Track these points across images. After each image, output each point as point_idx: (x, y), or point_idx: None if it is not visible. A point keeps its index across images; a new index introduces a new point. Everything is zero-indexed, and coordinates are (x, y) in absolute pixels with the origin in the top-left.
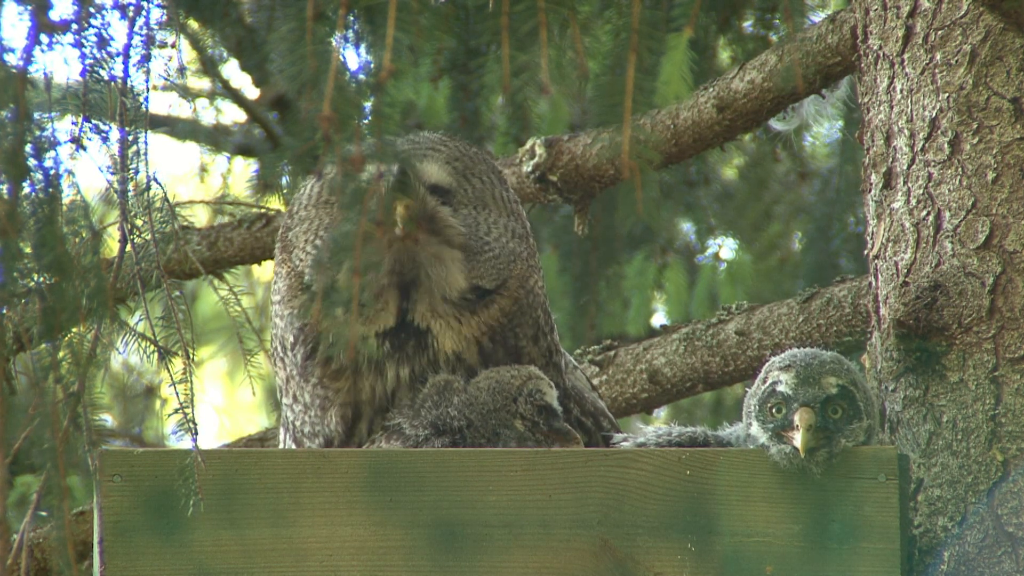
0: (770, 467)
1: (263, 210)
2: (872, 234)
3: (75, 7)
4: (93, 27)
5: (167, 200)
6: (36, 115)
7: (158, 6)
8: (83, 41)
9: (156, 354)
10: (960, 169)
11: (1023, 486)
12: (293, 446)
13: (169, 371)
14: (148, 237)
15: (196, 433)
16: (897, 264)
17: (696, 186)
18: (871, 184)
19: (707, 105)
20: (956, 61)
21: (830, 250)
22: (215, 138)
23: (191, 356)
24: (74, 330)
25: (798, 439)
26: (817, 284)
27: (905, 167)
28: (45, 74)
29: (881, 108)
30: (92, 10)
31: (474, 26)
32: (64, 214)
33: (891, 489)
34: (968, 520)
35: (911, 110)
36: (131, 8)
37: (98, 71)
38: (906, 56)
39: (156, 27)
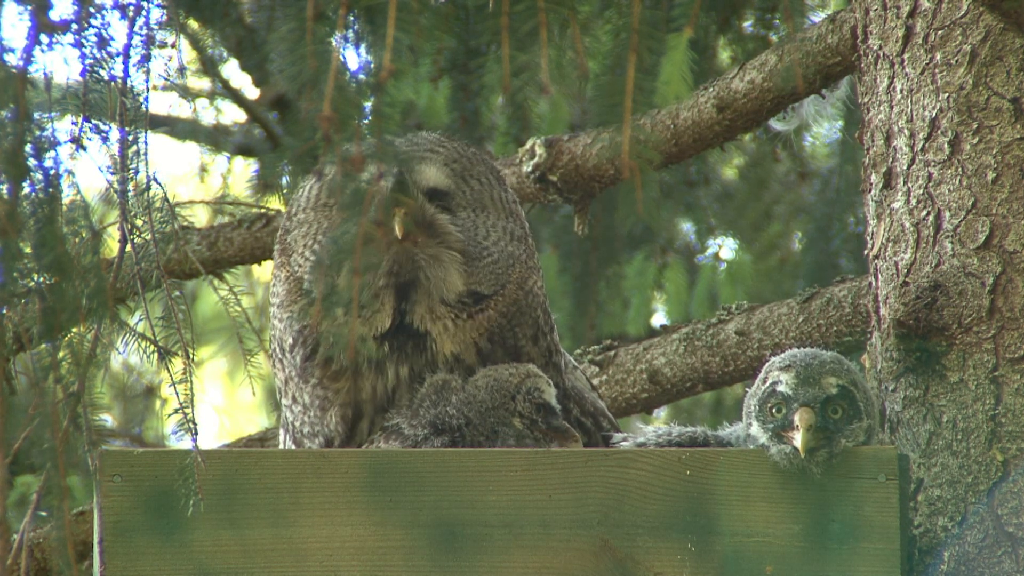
0: (770, 467)
1: (263, 210)
2: (872, 234)
3: (75, 7)
4: (93, 27)
5: (167, 200)
6: (36, 115)
7: (158, 6)
8: (83, 41)
9: (156, 354)
10: (960, 169)
11: (1023, 486)
12: (293, 446)
13: (169, 371)
14: (148, 237)
15: (196, 433)
16: (897, 264)
17: (696, 186)
18: (871, 184)
19: (707, 105)
20: (956, 61)
21: (830, 250)
22: (215, 138)
23: (191, 356)
24: (74, 330)
25: (798, 439)
26: (817, 284)
27: (905, 167)
28: (45, 74)
29: (881, 108)
30: (92, 10)
31: (474, 26)
32: (64, 214)
33: (891, 489)
34: (968, 520)
35: (911, 110)
36: (131, 8)
37: (98, 71)
38: (906, 56)
39: (156, 27)
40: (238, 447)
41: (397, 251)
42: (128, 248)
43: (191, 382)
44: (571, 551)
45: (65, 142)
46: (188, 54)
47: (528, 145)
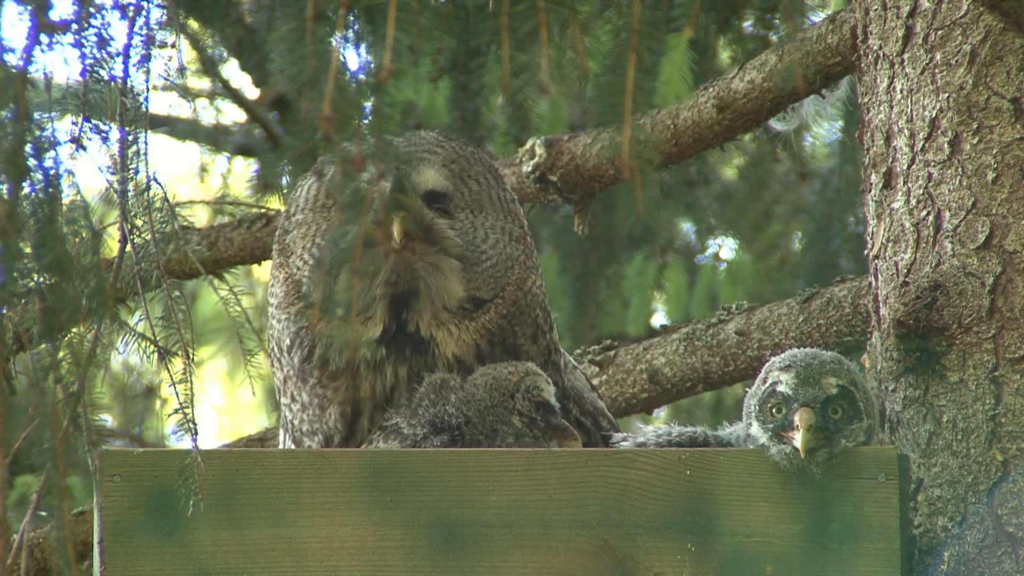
0: (770, 467)
1: (263, 210)
2: (872, 234)
3: (75, 7)
4: (93, 27)
5: (167, 200)
6: (36, 115)
7: (158, 6)
8: (83, 41)
9: (156, 354)
10: (960, 169)
11: (1023, 486)
12: (292, 446)
13: (169, 371)
14: (148, 237)
15: (196, 433)
16: (897, 264)
17: (696, 186)
18: (871, 184)
19: (707, 105)
20: (956, 61)
21: (830, 250)
22: (215, 138)
23: (191, 356)
24: (74, 330)
25: (798, 439)
26: (817, 284)
27: (905, 167)
28: (45, 74)
29: (881, 108)
30: (92, 10)
31: (474, 26)
32: (64, 214)
33: (891, 489)
34: (968, 520)
35: (911, 110)
36: (131, 8)
37: (98, 71)
38: (906, 56)
39: (156, 27)
40: (238, 447)
41: (396, 260)
42: (128, 248)
43: (191, 382)
44: (571, 551)
45: (65, 142)
46: (188, 54)
47: (528, 145)
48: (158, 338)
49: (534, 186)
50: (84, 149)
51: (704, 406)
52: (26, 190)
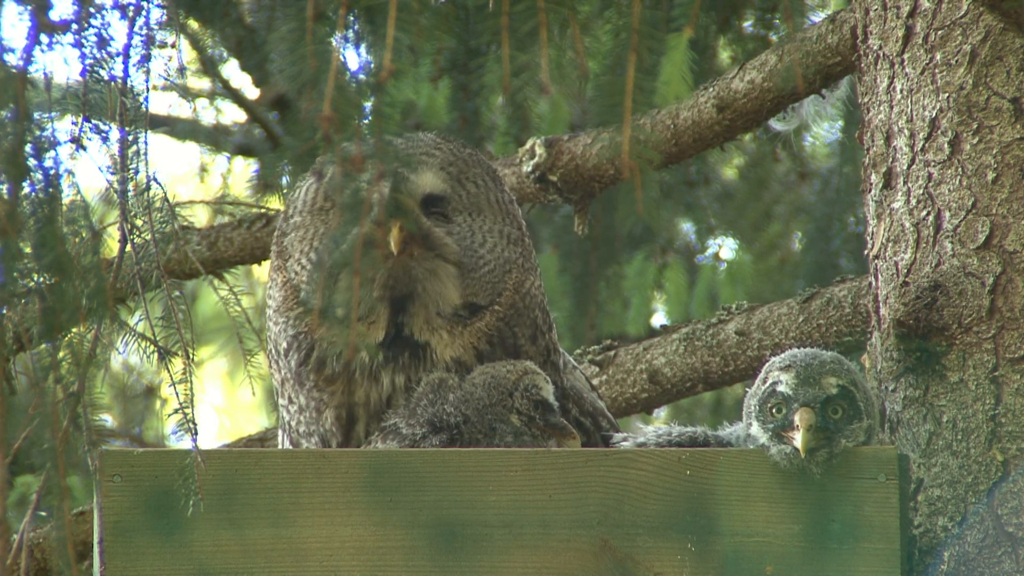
0: (770, 467)
1: (263, 210)
2: (872, 234)
3: (75, 7)
4: (93, 27)
5: (167, 200)
6: (36, 115)
7: (158, 6)
8: (83, 41)
9: (156, 354)
10: (960, 169)
11: (1023, 486)
12: (290, 446)
13: (169, 371)
14: (148, 237)
15: (196, 433)
16: (897, 264)
17: (696, 186)
18: (871, 184)
19: (707, 105)
20: (956, 61)
21: (830, 250)
22: (215, 138)
23: (191, 356)
24: (74, 330)
25: (798, 439)
26: (817, 284)
27: (905, 167)
28: (45, 74)
29: (881, 108)
30: (92, 10)
31: (474, 26)
32: (64, 214)
33: (891, 489)
34: (968, 520)
35: (911, 110)
36: (131, 8)
37: (98, 71)
38: (906, 56)
39: (156, 27)
40: (238, 447)
41: (393, 264)
42: (128, 248)
43: (191, 382)
44: (571, 551)
45: (65, 142)
46: (188, 54)
47: (528, 145)
48: (158, 338)
49: (534, 186)
50: (84, 149)
51: (704, 406)
52: (26, 190)
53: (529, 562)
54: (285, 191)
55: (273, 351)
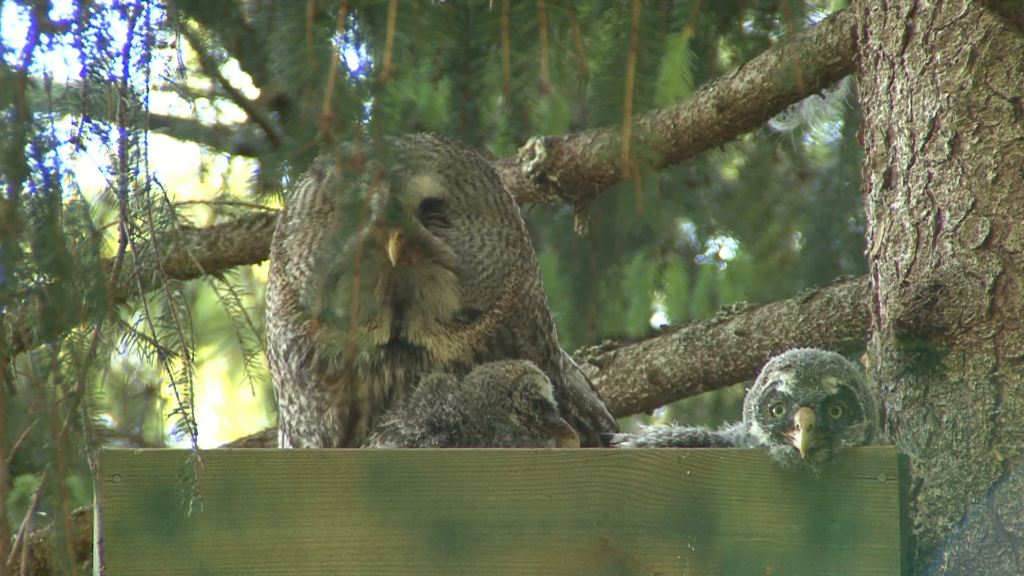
0: (770, 467)
1: (263, 210)
2: (872, 234)
3: (75, 7)
4: (93, 27)
5: (167, 200)
6: (36, 115)
7: (158, 6)
8: (83, 41)
9: (156, 354)
10: (960, 169)
11: (1023, 486)
12: (291, 446)
13: (169, 371)
14: (148, 237)
15: (196, 433)
16: (897, 264)
17: (696, 186)
18: (871, 184)
19: (707, 105)
20: (956, 61)
21: (830, 250)
22: (215, 138)
23: (191, 356)
24: (74, 330)
25: (798, 439)
26: (817, 284)
27: (905, 167)
28: (45, 74)
29: (881, 108)
30: (92, 10)
31: (474, 26)
32: (64, 214)
33: (891, 489)
34: (968, 520)
35: (911, 110)
36: (131, 8)
37: (98, 71)
38: (906, 56)
39: (156, 27)
40: (238, 447)
41: (391, 272)
42: (128, 248)
43: (191, 382)
44: (571, 551)
45: (65, 142)
46: (188, 54)
47: (528, 145)
48: (158, 338)
49: (534, 186)
50: (84, 149)
51: (704, 406)
52: (26, 190)
53: (529, 562)
54: (285, 191)
55: (273, 352)
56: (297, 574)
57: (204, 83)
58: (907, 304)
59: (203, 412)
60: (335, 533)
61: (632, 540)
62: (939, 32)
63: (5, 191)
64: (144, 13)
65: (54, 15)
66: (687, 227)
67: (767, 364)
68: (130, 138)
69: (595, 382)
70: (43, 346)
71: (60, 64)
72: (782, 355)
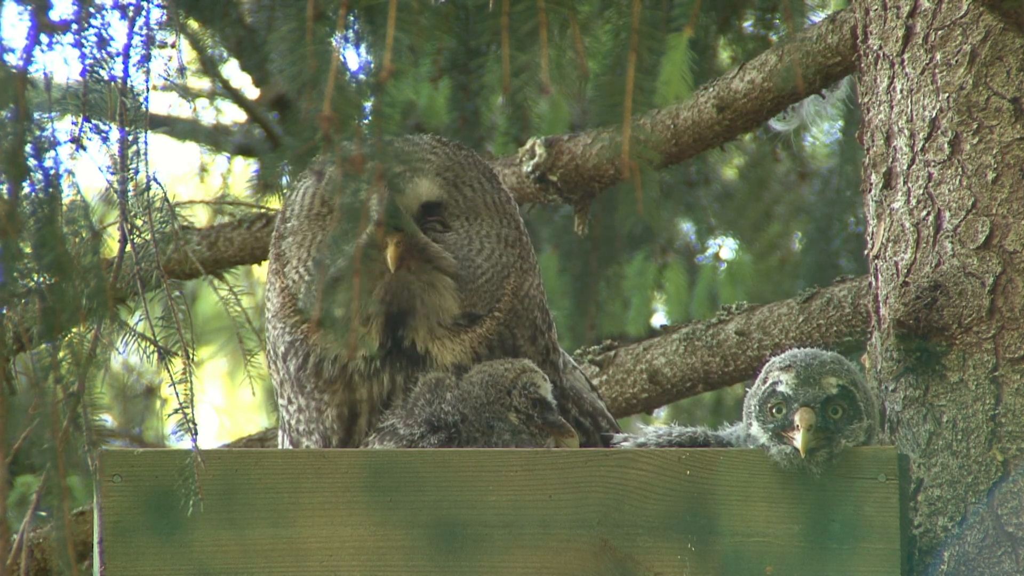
0: (770, 467)
1: (263, 210)
2: (872, 234)
3: (75, 7)
4: (93, 27)
5: (167, 200)
6: (36, 115)
7: (158, 6)
8: (83, 41)
9: (156, 354)
10: (960, 169)
11: (1023, 486)
12: (290, 446)
13: (169, 371)
14: (148, 237)
15: (196, 433)
16: (897, 264)
17: (696, 186)
18: (871, 184)
19: (707, 105)
20: (956, 61)
21: (830, 250)
22: (215, 138)
23: (191, 356)
24: (74, 330)
25: (798, 439)
26: (817, 284)
27: (905, 167)
28: (45, 74)
29: (881, 108)
30: (92, 10)
31: (474, 26)
32: (64, 214)
33: (891, 489)
34: (968, 520)
35: (911, 110)
36: (131, 8)
37: (98, 71)
38: (906, 56)
39: (156, 27)
40: (238, 447)
41: (390, 279)
42: (128, 248)
43: (191, 382)
44: (571, 551)
45: (65, 142)
46: (188, 54)
47: (528, 145)
48: (158, 338)
49: (534, 186)
50: (84, 149)
51: (704, 406)
52: (26, 190)
53: (529, 562)
54: (285, 191)
55: (272, 353)
56: (297, 574)
57: (204, 83)
58: (907, 304)
59: (203, 412)
60: (335, 533)
61: (632, 540)
62: (939, 32)
63: (5, 191)
64: (144, 13)
65: (54, 15)
66: (687, 227)
67: (767, 364)
68: (130, 138)
69: (595, 382)
70: (43, 346)
71: (60, 64)
72: (782, 355)
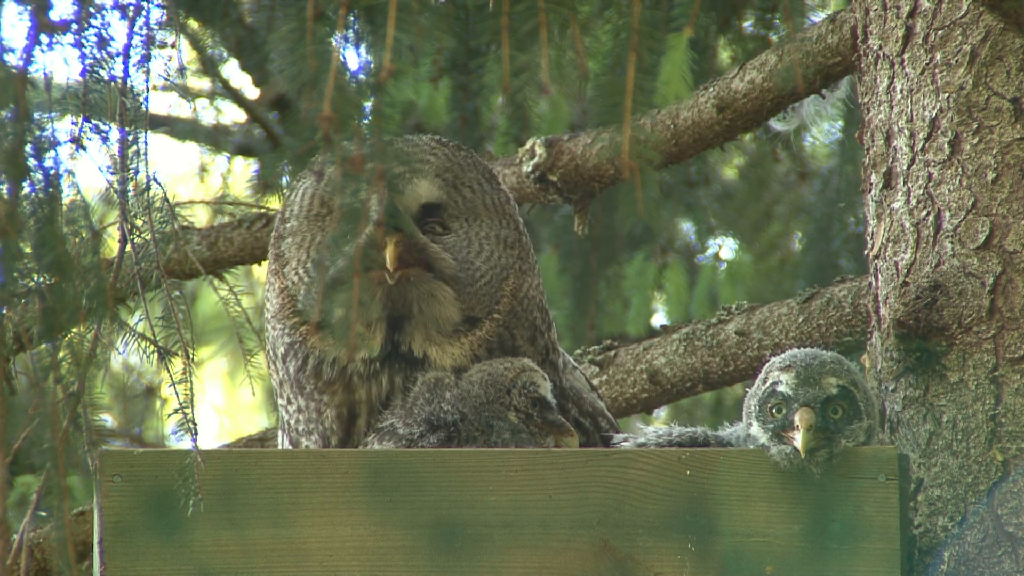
0: (770, 467)
1: (263, 210)
2: (872, 234)
3: (75, 7)
4: (93, 27)
5: (167, 200)
6: (36, 115)
7: (158, 6)
8: (83, 41)
9: (156, 354)
10: (960, 169)
11: (1023, 486)
12: (290, 446)
13: (169, 371)
14: (148, 237)
15: (196, 433)
16: (897, 264)
17: (696, 186)
18: (871, 184)
19: (707, 105)
20: (956, 61)
21: (830, 250)
22: (215, 138)
23: (191, 356)
24: (74, 330)
25: (798, 439)
26: (817, 284)
27: (905, 167)
28: (45, 74)
29: (881, 108)
30: (92, 10)
31: (474, 26)
32: (64, 214)
33: (891, 489)
34: (968, 520)
35: (911, 110)
36: (131, 8)
37: (98, 71)
38: (906, 56)
39: (156, 27)
40: (238, 447)
41: (390, 288)
42: (128, 248)
43: (191, 382)
44: (571, 551)
45: (65, 142)
46: (188, 54)
47: (528, 145)
48: (158, 338)
49: (534, 186)
50: (84, 149)
51: (704, 406)
52: (26, 190)
53: (529, 562)
54: (285, 191)
55: (271, 354)
56: (297, 574)
57: (204, 83)
58: (907, 304)
59: (203, 412)
60: (335, 533)
61: (632, 540)
62: (939, 32)
63: (5, 191)
64: (144, 13)
65: (54, 15)
66: (687, 227)
67: (767, 364)
68: (130, 138)
69: (595, 382)
70: (43, 346)
71: (60, 64)
72: (782, 355)
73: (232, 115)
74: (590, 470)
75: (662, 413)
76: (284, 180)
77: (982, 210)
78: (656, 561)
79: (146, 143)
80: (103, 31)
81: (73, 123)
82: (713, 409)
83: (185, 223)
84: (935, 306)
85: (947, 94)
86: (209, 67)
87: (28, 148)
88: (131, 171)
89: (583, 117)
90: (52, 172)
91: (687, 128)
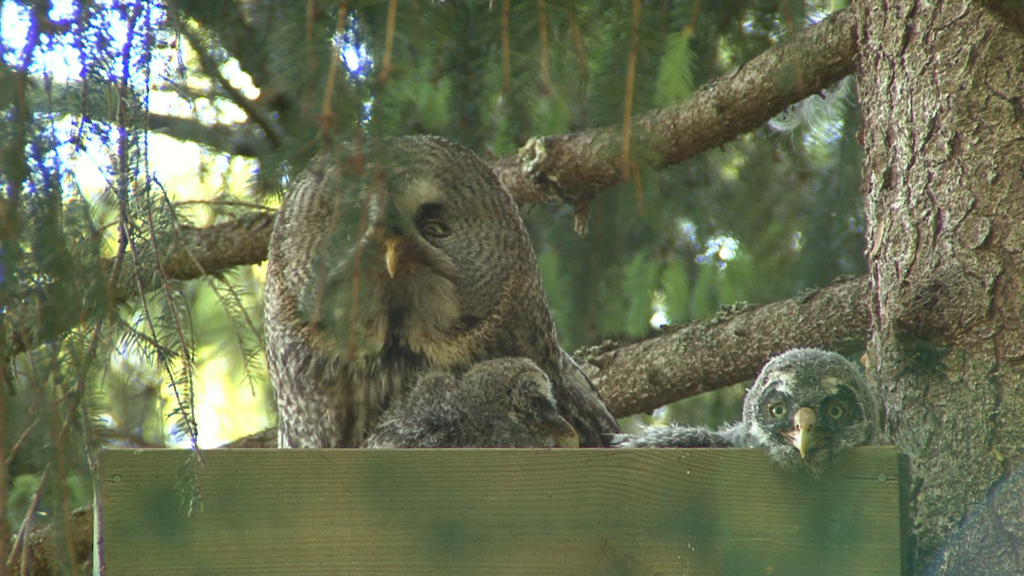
0: (770, 467)
1: (263, 210)
2: (872, 234)
3: (75, 7)
4: (93, 27)
5: (167, 200)
6: (36, 115)
7: (158, 6)
8: (83, 41)
9: (156, 354)
10: (960, 169)
11: (1023, 486)
12: (290, 446)
13: (169, 371)
14: (148, 237)
15: (196, 433)
16: (897, 264)
17: (696, 186)
18: (871, 184)
19: (707, 105)
20: (956, 61)
21: (830, 250)
22: (215, 138)
23: (191, 356)
24: (74, 330)
25: (798, 439)
26: (817, 284)
27: (905, 167)
28: (45, 74)
29: (881, 108)
30: (92, 10)
31: (474, 26)
32: (64, 214)
33: (891, 489)
34: (968, 520)
35: (911, 110)
36: (131, 8)
37: (98, 71)
38: (906, 56)
39: (156, 27)
40: (238, 447)
41: (389, 281)
42: (128, 248)
43: (191, 382)
44: (571, 551)
45: (65, 142)
46: (188, 54)
47: (528, 145)
48: (158, 338)
49: (534, 186)
50: (84, 149)
51: (704, 406)
52: (26, 190)
53: (529, 562)
54: (284, 191)
55: (271, 354)
56: (297, 574)
57: (204, 83)
58: (907, 304)
59: (203, 412)
60: (335, 533)
61: (632, 540)
62: (939, 32)
63: (5, 191)
64: (144, 13)
65: (54, 15)
66: (687, 227)
67: (767, 364)
68: (130, 138)
69: (595, 382)
70: (43, 346)
71: (60, 64)
72: (782, 355)
73: (232, 115)
74: (590, 470)
75: (662, 413)
76: (284, 180)
77: (982, 210)
78: (656, 561)
79: (146, 143)
80: (103, 31)
81: (73, 123)
82: (713, 409)
83: (185, 223)
84: (935, 306)
85: (947, 94)
86: (209, 67)
87: (28, 148)
88: (131, 171)
89: (583, 117)
90: (52, 172)
91: (687, 128)
